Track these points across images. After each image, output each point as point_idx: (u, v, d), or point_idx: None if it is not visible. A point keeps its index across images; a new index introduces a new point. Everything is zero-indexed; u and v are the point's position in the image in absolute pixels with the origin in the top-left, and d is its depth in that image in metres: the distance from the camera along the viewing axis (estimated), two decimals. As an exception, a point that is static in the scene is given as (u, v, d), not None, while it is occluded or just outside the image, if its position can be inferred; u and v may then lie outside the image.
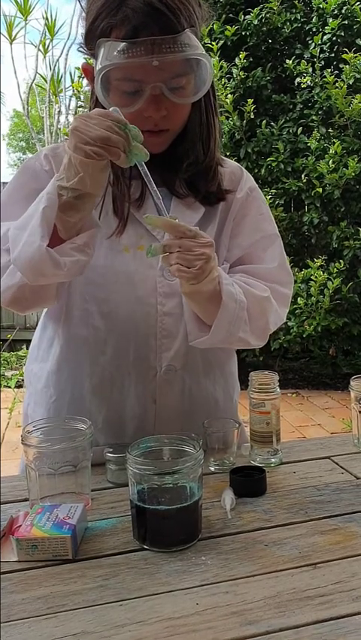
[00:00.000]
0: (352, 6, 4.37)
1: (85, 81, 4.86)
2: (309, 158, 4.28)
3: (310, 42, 4.51)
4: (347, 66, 4.23)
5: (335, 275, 4.18)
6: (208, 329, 1.05)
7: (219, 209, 1.15)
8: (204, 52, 0.98)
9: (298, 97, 4.49)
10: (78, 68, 5.31)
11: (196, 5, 0.99)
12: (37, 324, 1.23)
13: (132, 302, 1.08)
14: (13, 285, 1.01)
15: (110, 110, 0.94)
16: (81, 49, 1.05)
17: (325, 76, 4.23)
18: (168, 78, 0.98)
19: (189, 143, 1.09)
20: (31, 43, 6.10)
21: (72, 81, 5.66)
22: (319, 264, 4.19)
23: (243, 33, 4.52)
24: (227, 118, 4.40)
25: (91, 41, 1.00)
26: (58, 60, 6.02)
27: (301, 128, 4.43)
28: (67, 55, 6.00)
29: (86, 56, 1.06)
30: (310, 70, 4.39)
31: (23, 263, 0.96)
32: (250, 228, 1.17)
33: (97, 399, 1.12)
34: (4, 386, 4.95)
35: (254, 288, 1.10)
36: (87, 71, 1.07)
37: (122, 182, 1.08)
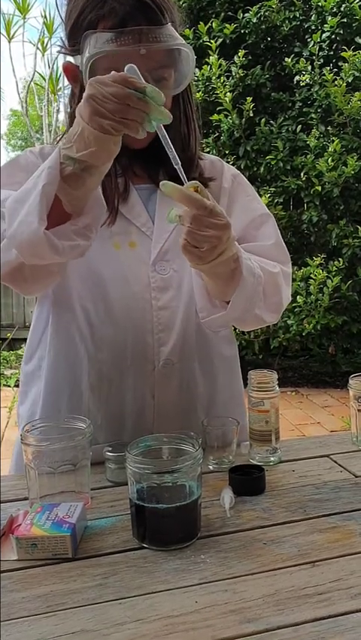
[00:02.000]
0: (351, 4, 4.36)
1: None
2: (308, 156, 4.28)
3: (309, 40, 4.51)
4: (346, 64, 4.23)
5: (334, 273, 4.18)
6: (221, 305, 1.05)
7: None
8: (187, 44, 1.01)
9: (297, 95, 4.49)
10: (77, 66, 5.29)
11: (175, 7, 1.04)
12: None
13: (127, 298, 1.09)
14: (8, 261, 0.99)
15: (126, 68, 0.91)
16: (62, 50, 1.06)
17: (324, 74, 4.23)
18: (154, 68, 1.00)
19: (170, 135, 1.07)
20: (30, 42, 6.07)
21: (71, 79, 5.65)
22: (318, 262, 4.19)
23: (242, 31, 4.52)
24: (226, 116, 4.40)
25: (76, 36, 1.00)
26: (56, 58, 6.01)
27: (300, 126, 4.42)
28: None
29: (68, 57, 1.06)
30: (310, 68, 4.39)
31: (20, 243, 0.94)
32: (241, 211, 1.18)
33: (95, 396, 1.12)
34: (4, 385, 4.94)
35: (265, 264, 1.10)
36: (68, 70, 1.07)
37: (109, 177, 1.06)
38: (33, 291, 1.13)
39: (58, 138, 1.26)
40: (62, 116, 6.13)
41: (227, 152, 4.49)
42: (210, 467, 1.08)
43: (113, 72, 0.88)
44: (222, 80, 4.34)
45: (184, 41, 1.02)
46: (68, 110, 1.12)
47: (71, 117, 1.05)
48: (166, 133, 0.97)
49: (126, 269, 1.09)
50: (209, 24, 4.48)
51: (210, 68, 4.33)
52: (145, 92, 0.87)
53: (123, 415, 1.12)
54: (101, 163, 0.92)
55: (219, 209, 0.93)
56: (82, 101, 0.89)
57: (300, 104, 4.48)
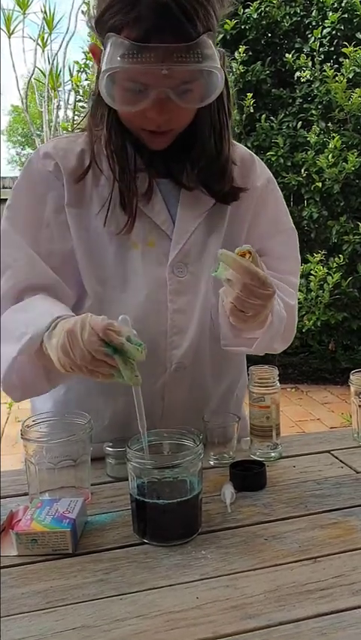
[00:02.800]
0: (352, -1, 4.35)
1: (83, 75, 4.77)
2: (309, 152, 4.27)
3: (309, 36, 4.49)
4: (347, 60, 4.21)
5: (334, 270, 4.17)
6: (242, 336, 1.07)
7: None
8: (216, 64, 0.92)
9: (297, 91, 4.47)
10: (77, 62, 5.27)
11: (218, 3, 0.94)
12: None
13: (142, 299, 1.06)
14: None
15: (120, 320, 0.88)
16: (89, 25, 0.99)
17: (324, 71, 4.22)
18: (177, 85, 0.93)
19: (199, 145, 1.05)
20: (30, 37, 6.04)
21: (71, 75, 5.62)
22: (318, 258, 4.18)
23: (242, 27, 4.50)
24: (226, 112, 4.39)
25: (100, 30, 0.95)
26: (56, 54, 5.99)
27: (300, 122, 4.41)
28: (65, 49, 5.98)
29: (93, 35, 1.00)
30: (310, 64, 4.37)
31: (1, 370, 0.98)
32: (269, 222, 1.17)
33: (104, 396, 1.11)
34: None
35: (286, 295, 1.12)
36: (94, 52, 1.01)
37: (129, 175, 1.04)
38: (25, 398, 1.11)
39: (75, 127, 1.22)
40: (62, 113, 6.11)
41: (227, 148, 4.48)
42: (211, 463, 1.08)
43: (94, 323, 0.84)
44: (222, 76, 4.32)
45: (216, 56, 0.92)
46: (93, 92, 1.06)
47: (97, 99, 1.03)
48: (192, 155, 1.04)
49: (143, 269, 1.06)
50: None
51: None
52: (122, 349, 0.84)
53: (130, 415, 1.11)
54: None
55: (270, 280, 0.94)
56: (58, 340, 0.87)
57: (300, 100, 4.47)
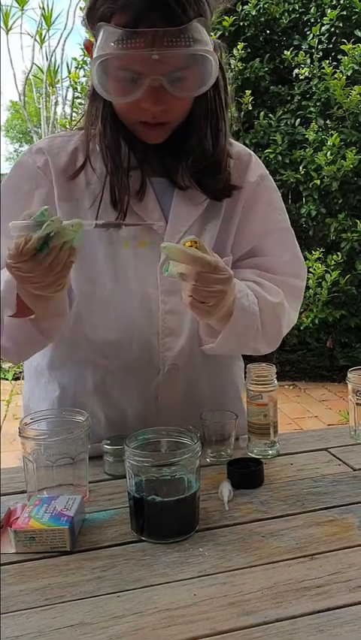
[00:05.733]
0: (351, -4, 4.34)
1: (82, 72, 4.75)
2: (307, 149, 4.27)
3: (308, 33, 4.48)
4: (346, 57, 4.20)
5: (332, 267, 4.17)
6: (213, 336, 1.05)
7: (225, 199, 1.10)
8: (208, 48, 0.91)
9: (296, 88, 4.47)
10: (75, 59, 5.26)
11: None
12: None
13: (133, 300, 1.06)
14: None
15: (11, 229, 0.86)
16: (83, 22, 1.00)
17: (323, 68, 4.21)
18: (170, 72, 0.92)
19: (194, 137, 1.04)
20: (28, 34, 6.01)
21: (69, 72, 5.60)
22: (317, 256, 4.18)
23: (241, 24, 4.49)
24: (225, 109, 4.38)
25: (91, 21, 0.95)
26: (54, 51, 5.97)
27: (299, 119, 4.41)
28: (64, 45, 5.96)
29: (88, 32, 1.00)
30: (309, 61, 4.37)
31: None
32: (261, 219, 1.13)
33: (99, 397, 1.11)
34: (2, 379, 4.94)
35: (267, 293, 1.08)
36: (89, 48, 1.00)
37: (121, 171, 1.03)
38: (25, 358, 1.13)
39: (74, 126, 1.24)
40: (60, 109, 6.10)
41: (226, 145, 4.47)
42: (209, 460, 1.08)
43: (9, 252, 0.86)
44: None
45: (208, 41, 0.91)
46: (89, 89, 1.06)
47: (92, 95, 1.04)
48: (187, 146, 1.02)
49: (134, 270, 1.06)
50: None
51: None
52: (47, 238, 0.84)
53: (126, 415, 1.11)
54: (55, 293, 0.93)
55: (222, 264, 0.93)
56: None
57: (299, 98, 4.46)
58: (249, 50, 4.46)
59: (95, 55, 0.92)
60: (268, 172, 1.17)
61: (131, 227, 1.05)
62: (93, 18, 0.94)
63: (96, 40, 0.93)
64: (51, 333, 1.04)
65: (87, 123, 1.06)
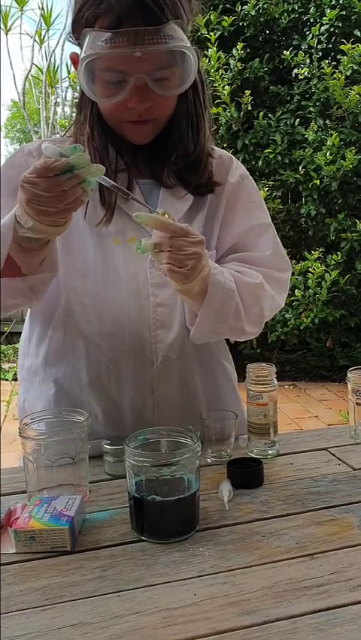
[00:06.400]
0: (350, -4, 4.34)
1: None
2: (306, 149, 4.27)
3: (307, 33, 4.48)
4: (345, 57, 4.21)
5: (332, 267, 4.18)
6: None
7: (209, 197, 1.15)
8: (188, 45, 0.97)
9: (295, 88, 4.47)
10: (73, 59, 5.26)
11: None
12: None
13: (124, 294, 1.09)
14: None
15: (43, 148, 0.90)
16: (70, 38, 1.06)
17: (322, 68, 4.21)
18: (152, 70, 0.98)
19: (176, 135, 1.09)
20: (27, 34, 6.02)
21: (68, 72, 5.61)
22: (316, 256, 4.18)
23: (240, 24, 4.49)
24: (224, 109, 4.38)
25: (77, 31, 1.01)
26: (54, 51, 5.97)
27: (298, 119, 4.41)
28: (63, 46, 5.96)
29: (75, 45, 1.05)
30: (308, 61, 4.37)
31: None
32: (242, 216, 1.17)
33: (95, 392, 1.12)
34: (2, 379, 4.94)
35: (246, 275, 1.10)
36: (75, 61, 1.07)
37: (109, 173, 1.06)
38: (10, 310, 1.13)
39: (64, 134, 1.28)
40: (60, 109, 6.10)
41: (225, 145, 4.47)
42: (209, 460, 1.08)
43: (36, 166, 0.87)
44: (220, 73, 4.31)
45: (187, 40, 0.97)
46: (78, 96, 1.12)
47: (80, 101, 1.09)
48: (169, 144, 1.05)
49: (125, 264, 1.09)
50: (207, 17, 4.44)
51: (209, 61, 4.31)
52: (73, 166, 0.87)
53: (122, 409, 1.12)
54: (51, 237, 0.96)
55: (192, 229, 0.96)
56: (20, 203, 0.90)
57: (298, 98, 4.46)
58: (248, 50, 4.46)
59: (81, 57, 0.97)
60: (248, 173, 1.23)
61: (120, 224, 1.09)
62: (79, 26, 1.00)
63: (82, 48, 0.98)
64: (39, 289, 1.05)
65: (76, 132, 1.11)
